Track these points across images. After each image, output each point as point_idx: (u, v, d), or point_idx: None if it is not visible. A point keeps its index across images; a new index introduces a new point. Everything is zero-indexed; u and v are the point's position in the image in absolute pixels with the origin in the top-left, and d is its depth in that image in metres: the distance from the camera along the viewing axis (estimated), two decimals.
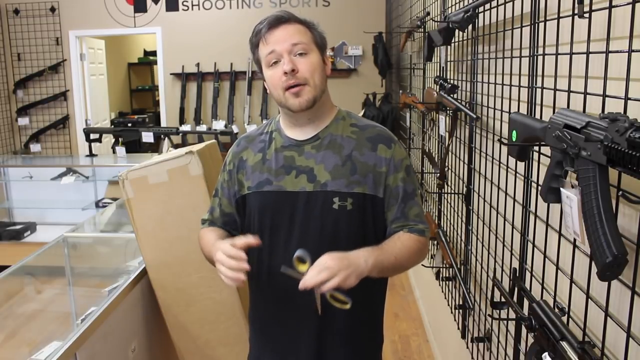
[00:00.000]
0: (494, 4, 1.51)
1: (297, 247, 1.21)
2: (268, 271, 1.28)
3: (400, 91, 3.93)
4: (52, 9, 5.40)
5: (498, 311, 1.51)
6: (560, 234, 1.09)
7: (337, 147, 1.24)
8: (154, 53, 6.65)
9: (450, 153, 2.20)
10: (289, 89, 1.18)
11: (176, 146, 4.23)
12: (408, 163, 1.29)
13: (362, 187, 1.22)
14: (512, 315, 1.34)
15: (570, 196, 0.88)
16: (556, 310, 1.02)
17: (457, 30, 1.80)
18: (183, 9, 5.30)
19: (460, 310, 2.05)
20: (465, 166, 1.94)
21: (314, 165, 1.24)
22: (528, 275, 1.32)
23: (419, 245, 1.25)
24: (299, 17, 1.23)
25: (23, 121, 5.57)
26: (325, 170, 1.23)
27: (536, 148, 1.18)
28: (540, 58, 1.20)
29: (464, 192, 1.96)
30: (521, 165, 1.32)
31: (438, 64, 2.40)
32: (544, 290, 1.20)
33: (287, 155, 1.26)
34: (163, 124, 5.52)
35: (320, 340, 1.28)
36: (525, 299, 1.27)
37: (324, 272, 1.05)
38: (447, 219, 2.36)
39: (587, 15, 0.93)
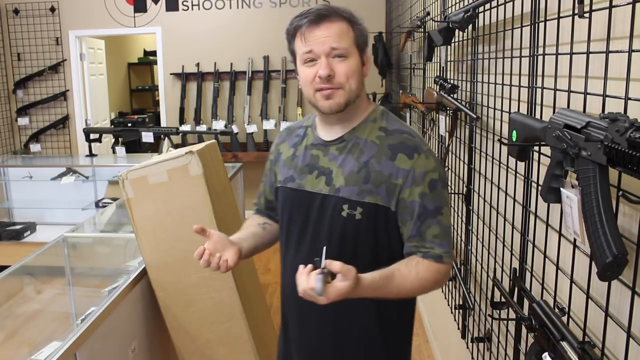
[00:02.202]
0: (494, 4, 1.51)
1: (308, 247, 1.23)
2: (284, 266, 1.30)
3: (400, 91, 3.93)
4: (52, 9, 5.40)
5: (498, 311, 1.51)
6: (560, 234, 1.09)
7: (358, 152, 1.19)
8: (154, 53, 6.65)
9: (450, 153, 2.20)
10: (320, 91, 1.15)
11: (176, 146, 4.23)
12: (434, 177, 1.16)
13: (374, 197, 1.15)
14: (512, 315, 1.34)
15: (570, 196, 0.88)
16: (556, 310, 1.02)
17: (457, 30, 1.80)
18: (183, 9, 5.30)
19: (460, 310, 2.05)
20: (465, 166, 1.93)
21: (334, 168, 1.20)
22: (528, 275, 1.31)
23: (435, 275, 1.14)
24: (342, 12, 1.16)
25: (23, 121, 5.56)
26: (342, 175, 1.18)
27: (536, 148, 1.18)
28: (540, 58, 1.20)
29: (464, 192, 1.96)
30: (521, 165, 1.32)
31: (438, 64, 2.40)
32: (544, 290, 1.20)
33: (313, 154, 1.25)
34: (163, 124, 5.51)
35: (335, 338, 1.26)
36: (525, 299, 1.27)
37: (334, 293, 0.99)
38: None
39: (587, 15, 0.93)
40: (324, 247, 1.04)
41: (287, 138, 1.34)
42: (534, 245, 1.27)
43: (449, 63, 2.27)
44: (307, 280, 0.98)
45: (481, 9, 1.62)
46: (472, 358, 1.89)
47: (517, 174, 1.37)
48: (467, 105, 1.86)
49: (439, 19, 2.26)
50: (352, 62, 1.15)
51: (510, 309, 1.30)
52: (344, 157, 1.20)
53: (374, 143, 1.18)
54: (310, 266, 1.01)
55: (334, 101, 1.15)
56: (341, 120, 1.21)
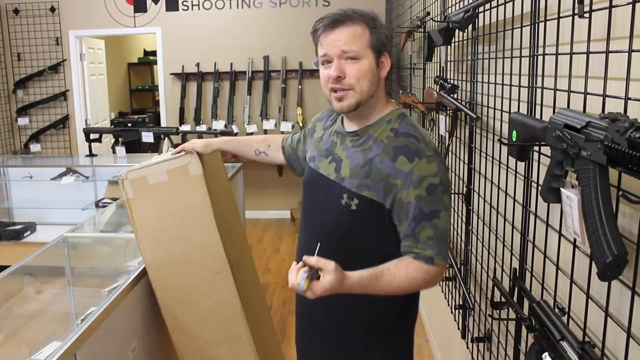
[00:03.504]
0: (494, 4, 1.51)
1: (313, 223, 1.36)
2: (299, 236, 1.45)
3: (400, 91, 3.92)
4: (52, 9, 5.40)
5: (498, 311, 1.51)
6: (560, 234, 1.09)
7: (367, 149, 1.26)
8: (154, 53, 6.65)
9: (450, 153, 2.20)
10: (334, 92, 1.23)
11: (176, 146, 4.22)
12: (434, 182, 1.19)
13: (371, 192, 1.22)
14: (512, 315, 1.34)
15: (571, 196, 0.88)
16: (556, 310, 1.02)
17: (457, 30, 1.80)
18: (183, 9, 5.30)
19: (460, 310, 2.05)
20: (465, 166, 1.93)
21: (344, 158, 1.29)
22: (528, 275, 1.31)
23: (424, 276, 1.20)
24: (360, 15, 1.21)
25: (23, 121, 5.56)
26: (349, 166, 1.27)
27: (536, 148, 1.18)
28: (540, 58, 1.20)
29: (464, 192, 1.96)
30: (521, 165, 1.32)
31: (438, 64, 2.40)
32: (544, 290, 1.20)
33: (333, 141, 1.36)
34: (163, 124, 5.52)
35: (324, 309, 1.35)
36: (525, 299, 1.27)
37: (319, 289, 1.09)
38: None
39: (587, 15, 0.93)
40: (318, 243, 1.14)
41: (324, 119, 1.46)
42: (534, 245, 1.27)
43: (449, 63, 2.26)
44: (295, 276, 1.08)
45: (481, 9, 1.62)
46: (472, 358, 1.89)
47: (517, 174, 1.37)
48: (467, 105, 1.86)
49: (439, 19, 2.26)
50: (364, 64, 1.20)
51: (510, 309, 1.30)
52: (354, 150, 1.28)
53: (382, 142, 1.24)
54: (300, 263, 1.10)
55: (345, 103, 1.22)
56: (357, 117, 1.29)
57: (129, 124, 5.71)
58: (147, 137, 4.05)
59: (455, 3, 1.98)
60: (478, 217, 1.78)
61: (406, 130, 1.25)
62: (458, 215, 2.12)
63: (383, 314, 1.34)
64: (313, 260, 1.10)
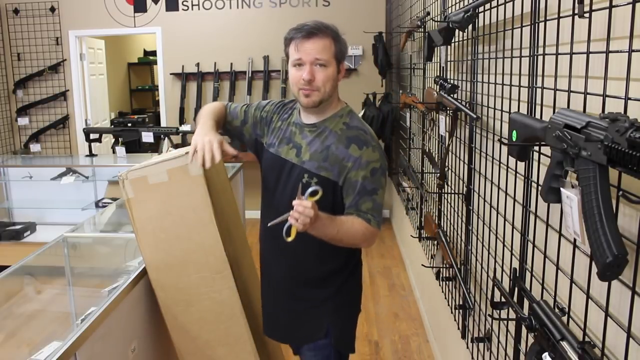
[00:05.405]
0: (494, 4, 1.51)
1: (278, 202, 1.58)
2: (263, 218, 1.67)
3: (400, 91, 3.93)
4: (52, 9, 5.40)
5: (498, 311, 1.51)
6: (560, 234, 1.09)
7: (324, 138, 1.53)
8: (153, 53, 6.65)
9: (450, 153, 2.20)
10: (303, 90, 1.47)
11: (176, 146, 4.23)
12: (376, 166, 1.50)
13: (328, 172, 1.51)
14: (512, 315, 1.34)
15: (571, 196, 0.88)
16: (556, 310, 1.02)
17: (457, 30, 1.80)
18: (183, 9, 5.30)
19: (460, 310, 2.05)
20: (465, 166, 1.93)
21: (303, 145, 1.55)
22: (528, 275, 1.31)
23: (364, 230, 1.49)
24: (329, 29, 1.47)
25: (23, 121, 5.56)
26: (308, 151, 1.54)
27: (536, 148, 1.18)
28: (540, 58, 1.20)
29: (464, 192, 1.96)
30: (521, 165, 1.32)
31: (438, 64, 2.40)
32: (544, 290, 1.20)
33: (292, 130, 1.60)
34: (163, 124, 5.51)
35: (286, 276, 1.66)
36: (525, 299, 1.27)
37: (307, 217, 1.32)
38: (447, 219, 2.36)
39: (587, 15, 0.93)
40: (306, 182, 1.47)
41: (280, 111, 1.67)
42: (534, 245, 1.27)
43: (449, 63, 2.27)
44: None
45: (481, 9, 1.62)
46: (472, 358, 1.89)
47: (517, 174, 1.37)
48: (467, 105, 1.86)
49: (439, 19, 2.26)
50: (329, 71, 1.48)
51: (510, 309, 1.30)
52: (312, 139, 1.55)
53: (336, 133, 1.53)
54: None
55: (311, 99, 1.48)
56: (316, 112, 1.55)
57: (129, 124, 5.70)
58: (147, 137, 4.05)
59: (455, 3, 1.99)
60: (478, 217, 1.78)
61: (356, 124, 1.56)
62: (458, 215, 2.12)
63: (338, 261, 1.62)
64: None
